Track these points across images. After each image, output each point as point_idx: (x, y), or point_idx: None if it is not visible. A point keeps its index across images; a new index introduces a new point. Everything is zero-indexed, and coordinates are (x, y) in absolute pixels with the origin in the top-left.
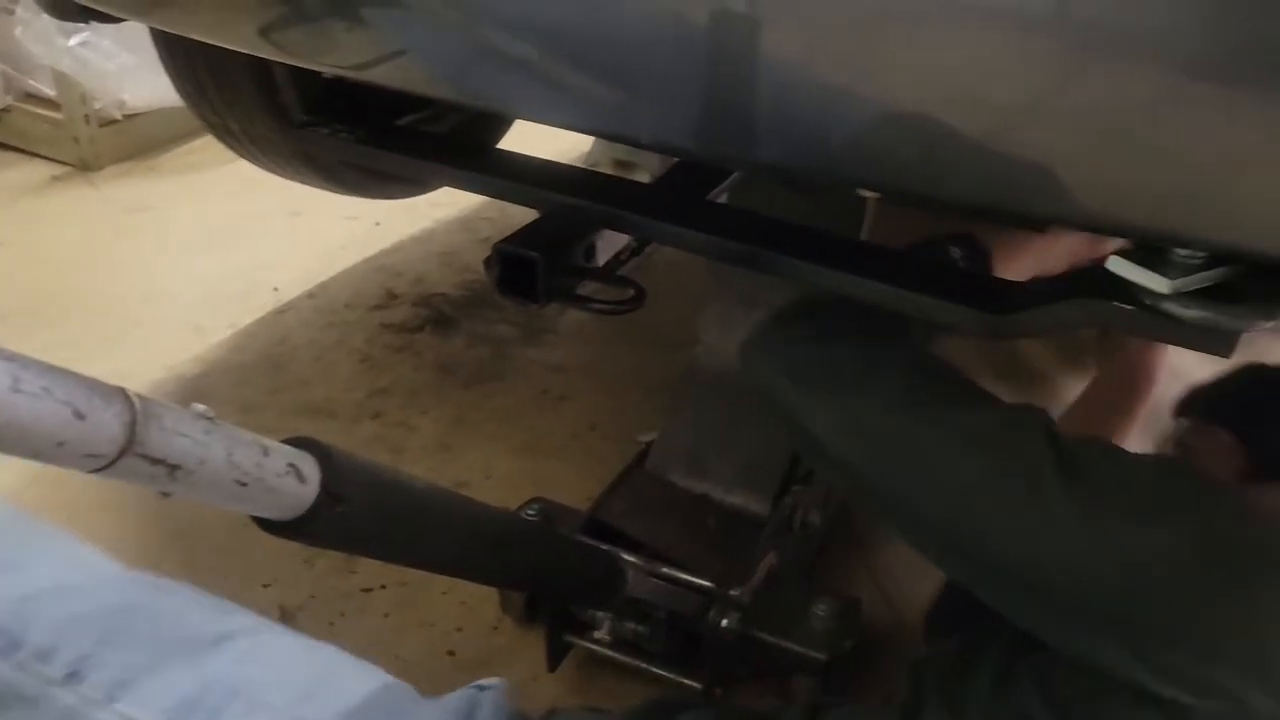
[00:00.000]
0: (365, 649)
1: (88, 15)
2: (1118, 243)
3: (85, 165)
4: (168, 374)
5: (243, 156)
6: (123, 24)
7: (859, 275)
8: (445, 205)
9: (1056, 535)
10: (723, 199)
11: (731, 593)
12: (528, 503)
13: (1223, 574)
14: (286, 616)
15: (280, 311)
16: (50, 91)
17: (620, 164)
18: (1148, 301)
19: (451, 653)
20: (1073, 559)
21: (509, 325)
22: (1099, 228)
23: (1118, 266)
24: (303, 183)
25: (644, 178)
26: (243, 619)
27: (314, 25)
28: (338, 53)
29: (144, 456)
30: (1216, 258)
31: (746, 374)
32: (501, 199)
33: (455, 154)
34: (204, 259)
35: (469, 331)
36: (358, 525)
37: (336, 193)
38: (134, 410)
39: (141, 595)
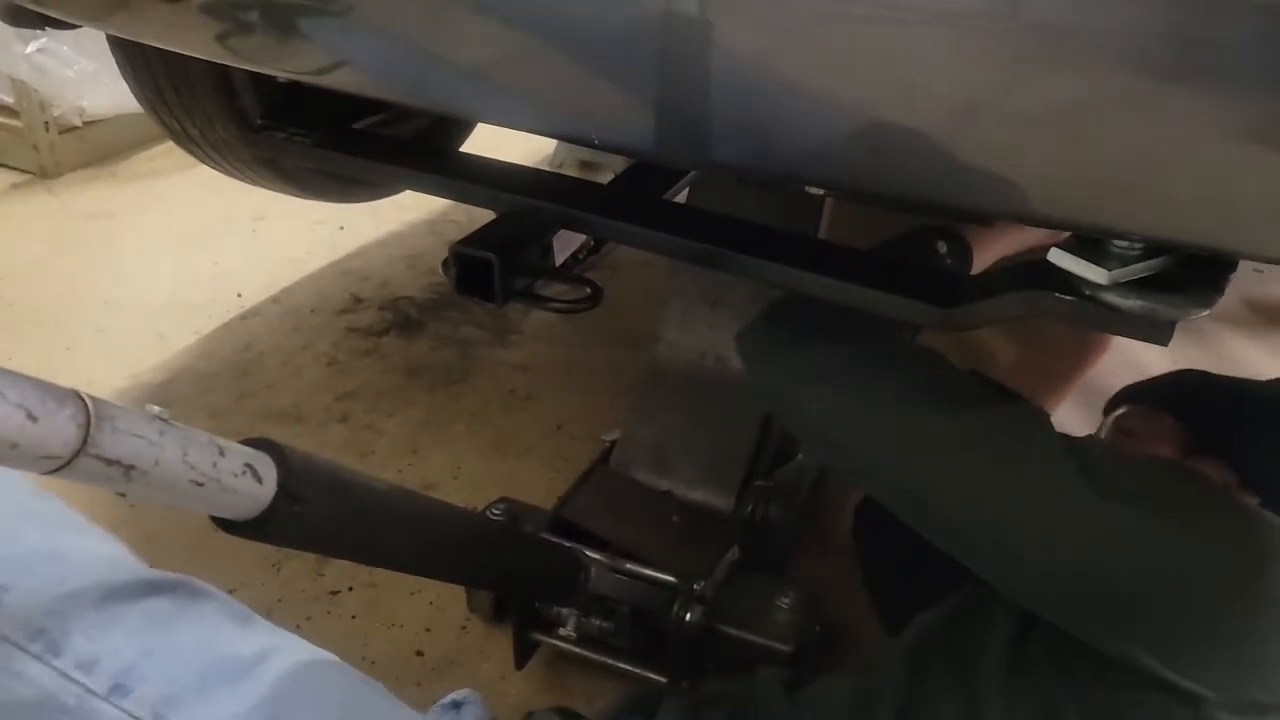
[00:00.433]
0: (334, 651)
1: (44, 22)
2: None
3: (45, 173)
4: (132, 382)
5: (203, 162)
6: (80, 30)
7: (814, 273)
8: (411, 209)
9: (1075, 520)
10: (681, 198)
11: (695, 587)
12: (494, 503)
13: (1233, 567)
14: None
15: (245, 317)
16: (9, 99)
17: (585, 165)
18: (1087, 292)
19: (420, 653)
20: (1092, 542)
21: (475, 327)
22: (1038, 221)
23: (1058, 258)
24: (264, 187)
25: (608, 179)
26: (272, 636)
27: (268, 30)
28: (293, 58)
29: (99, 458)
30: (1153, 249)
31: (746, 372)
32: (459, 201)
33: (413, 157)
34: (167, 265)
35: (435, 334)
36: (317, 524)
37: (298, 197)
38: (88, 412)
39: (176, 601)
